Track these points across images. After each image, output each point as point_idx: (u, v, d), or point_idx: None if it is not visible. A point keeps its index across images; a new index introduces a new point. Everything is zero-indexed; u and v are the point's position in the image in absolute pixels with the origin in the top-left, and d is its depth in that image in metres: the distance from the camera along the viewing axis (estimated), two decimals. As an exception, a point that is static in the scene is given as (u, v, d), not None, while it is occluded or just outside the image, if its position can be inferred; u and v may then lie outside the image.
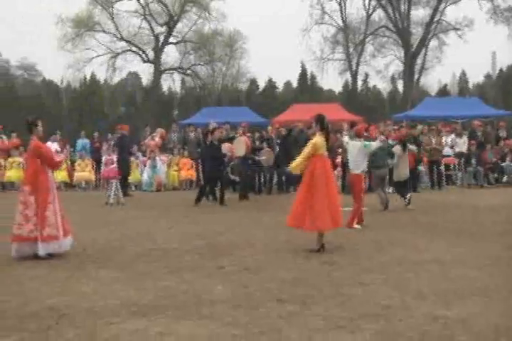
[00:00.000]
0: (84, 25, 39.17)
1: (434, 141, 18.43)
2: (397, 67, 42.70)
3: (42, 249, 7.62)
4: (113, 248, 8.50)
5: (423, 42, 40.04)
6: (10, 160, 19.57)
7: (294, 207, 8.12)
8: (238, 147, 14.94)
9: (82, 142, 21.74)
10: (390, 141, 15.00)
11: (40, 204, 7.66)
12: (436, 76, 67.31)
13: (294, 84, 43.45)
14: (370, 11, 41.55)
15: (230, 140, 14.95)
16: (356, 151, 10.54)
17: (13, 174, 19.07)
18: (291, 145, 16.78)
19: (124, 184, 16.73)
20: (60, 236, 7.76)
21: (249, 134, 17.22)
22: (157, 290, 6.03)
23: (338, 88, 45.67)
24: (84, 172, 19.88)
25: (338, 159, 16.93)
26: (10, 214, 8.21)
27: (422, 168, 18.41)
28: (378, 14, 41.66)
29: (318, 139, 8.06)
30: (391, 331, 4.68)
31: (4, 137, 20.77)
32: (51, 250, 7.70)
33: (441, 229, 10.04)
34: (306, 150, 8.11)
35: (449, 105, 25.70)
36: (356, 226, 10.16)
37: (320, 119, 8.24)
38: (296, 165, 8.22)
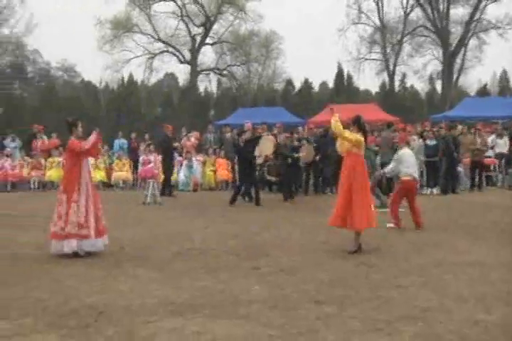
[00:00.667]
0: (122, 27, 39.71)
1: (479, 141, 18.08)
2: (435, 66, 42.19)
3: (64, 247, 7.72)
4: (150, 247, 8.57)
5: (462, 42, 39.43)
6: (50, 160, 19.89)
7: (337, 206, 8.08)
8: (265, 146, 14.92)
9: (120, 142, 21.99)
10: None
11: (67, 203, 7.79)
12: (475, 75, 66.29)
13: (330, 84, 43.29)
14: (408, 10, 41.13)
15: (257, 139, 14.93)
16: (413, 159, 10.47)
17: (53, 173, 19.37)
18: (327, 145, 16.68)
19: (168, 184, 16.91)
20: (91, 236, 7.83)
21: (286, 134, 17.15)
22: (194, 290, 6.05)
23: (374, 88, 45.39)
24: (121, 172, 20.09)
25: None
26: (49, 213, 8.34)
27: (461, 168, 18.10)
28: (416, 13, 41.23)
29: (362, 138, 8.00)
30: (430, 334, 4.61)
31: (45, 137, 21.15)
32: (71, 248, 7.72)
33: (481, 230, 9.87)
34: (351, 135, 7.99)
35: (489, 105, 25.22)
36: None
37: (357, 120, 8.18)
38: (335, 124, 8.03)
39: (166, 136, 17.36)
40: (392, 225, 10.10)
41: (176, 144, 17.76)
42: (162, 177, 17.89)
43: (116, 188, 19.81)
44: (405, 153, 10.37)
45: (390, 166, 10.63)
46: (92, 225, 7.83)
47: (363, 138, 8.02)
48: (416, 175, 10.28)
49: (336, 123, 8.05)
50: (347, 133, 8.04)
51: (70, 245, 7.72)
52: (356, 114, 8.40)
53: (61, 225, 7.73)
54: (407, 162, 10.18)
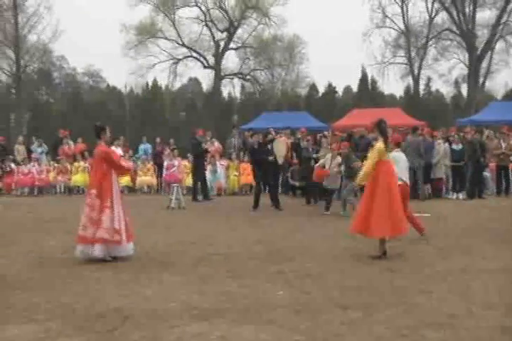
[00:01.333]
0: (147, 32, 40.06)
1: (504, 146, 17.86)
2: (461, 70, 41.73)
3: (95, 252, 7.78)
4: (175, 252, 8.61)
5: (489, 45, 38.98)
6: (76, 164, 20.13)
7: (358, 212, 8.05)
8: (277, 148, 14.96)
9: (144, 147, 22.16)
10: None
11: (99, 208, 7.84)
12: (502, 79, 65.38)
13: (354, 88, 43.12)
14: (433, 14, 40.78)
15: (270, 142, 14.97)
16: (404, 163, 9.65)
17: (78, 178, 19.61)
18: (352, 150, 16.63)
19: (203, 188, 17.05)
20: (123, 241, 7.90)
21: (309, 137, 17.16)
22: (219, 294, 6.06)
23: (399, 92, 45.05)
24: (146, 176, 20.23)
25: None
26: (76, 217, 8.43)
27: (487, 173, 17.90)
28: (441, 17, 40.85)
29: (381, 145, 7.96)
30: (457, 341, 4.56)
31: (71, 142, 21.39)
32: (102, 253, 7.80)
33: (509, 236, 9.73)
34: (371, 157, 7.98)
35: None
36: None
37: (378, 124, 8.12)
38: (364, 175, 8.03)
39: (196, 140, 17.45)
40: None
41: (205, 146, 17.87)
42: (189, 181, 18.05)
43: (141, 193, 19.94)
44: (396, 156, 9.35)
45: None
46: (123, 230, 7.90)
47: (382, 145, 7.95)
48: (407, 179, 9.50)
49: (361, 174, 8.12)
50: (369, 164, 7.95)
51: (102, 250, 7.79)
52: (378, 118, 8.36)
53: (93, 230, 7.80)
54: (398, 166, 9.18)
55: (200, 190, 17.03)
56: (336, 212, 12.81)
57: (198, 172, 17.01)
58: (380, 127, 8.12)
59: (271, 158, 14.40)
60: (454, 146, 17.06)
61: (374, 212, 7.75)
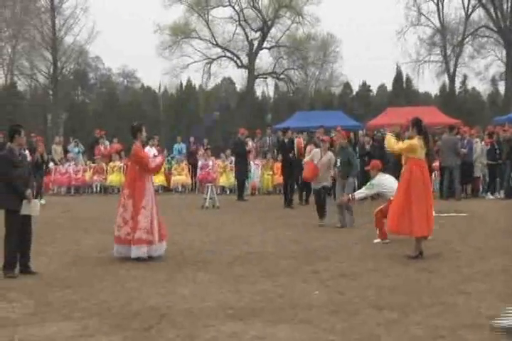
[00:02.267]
0: (181, 33, 40.25)
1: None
2: (498, 68, 40.95)
3: (133, 252, 7.83)
4: (209, 251, 8.63)
5: (527, 41, 38.22)
6: (111, 164, 20.33)
7: (391, 212, 7.97)
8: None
9: (178, 147, 22.29)
10: None
11: (134, 208, 7.90)
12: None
13: (389, 87, 42.66)
14: (470, 11, 40.09)
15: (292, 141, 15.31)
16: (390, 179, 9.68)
17: (114, 178, 19.80)
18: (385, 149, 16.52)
19: (242, 188, 17.14)
20: (155, 241, 7.94)
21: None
22: (253, 294, 6.06)
23: (434, 91, 44.40)
24: (180, 176, 20.36)
25: (436, 163, 16.42)
26: (112, 217, 8.52)
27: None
28: (478, 14, 40.15)
29: (415, 141, 7.86)
30: (496, 343, 4.48)
31: (107, 142, 21.63)
32: (141, 254, 7.84)
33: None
34: (402, 144, 8.02)
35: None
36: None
37: (416, 122, 8.03)
38: (388, 141, 8.25)
39: (239, 140, 17.51)
40: (379, 240, 9.25)
41: (248, 147, 18.00)
42: (223, 180, 18.20)
43: (175, 192, 20.07)
44: (381, 178, 9.70)
45: (366, 192, 9.95)
46: (156, 230, 7.95)
47: (416, 142, 7.85)
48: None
49: (388, 140, 8.23)
50: (397, 146, 8.03)
51: (141, 251, 7.84)
52: (415, 116, 8.27)
53: (127, 230, 7.86)
54: (388, 184, 9.45)
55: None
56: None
57: (241, 171, 17.09)
58: (418, 125, 8.01)
59: (290, 154, 14.77)
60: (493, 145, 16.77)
61: (413, 210, 7.66)
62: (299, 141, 15.98)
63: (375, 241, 9.19)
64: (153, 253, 7.98)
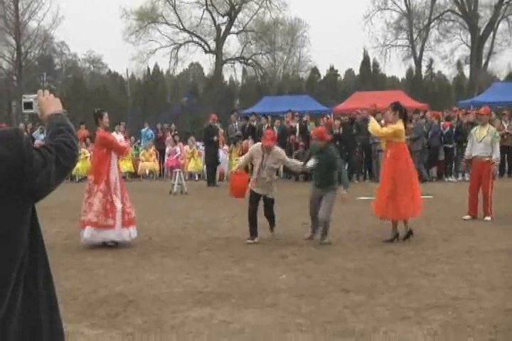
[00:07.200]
0: (147, 18, 39.76)
1: (506, 126, 17.75)
2: (463, 51, 41.35)
3: (85, 234, 7.75)
4: (177, 236, 8.62)
5: (491, 26, 38.63)
6: (78, 151, 20.09)
7: (377, 197, 8.01)
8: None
9: (146, 133, 22.10)
10: None
11: (102, 194, 7.84)
12: (505, 60, 64.84)
13: (356, 71, 42.84)
14: (436, -5, 40.36)
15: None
16: None
17: (80, 165, 19.54)
18: (354, 133, 16.67)
19: (213, 174, 17.07)
20: (116, 225, 7.84)
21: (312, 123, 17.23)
22: (221, 279, 6.07)
23: (401, 75, 44.77)
24: (148, 162, 20.22)
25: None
26: (79, 204, 8.42)
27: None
28: (444, -3, 40.41)
29: (401, 126, 7.87)
30: (460, 323, 4.56)
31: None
32: (89, 236, 7.77)
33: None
34: (386, 129, 8.02)
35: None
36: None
37: (399, 107, 8.03)
38: (372, 125, 8.17)
39: (209, 126, 17.39)
40: None
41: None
42: (191, 166, 18.10)
43: (143, 178, 19.94)
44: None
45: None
46: (118, 215, 7.87)
47: (401, 126, 7.88)
48: None
49: (372, 125, 8.18)
50: (383, 131, 8.06)
51: (91, 233, 7.76)
52: (395, 101, 8.32)
53: (94, 214, 7.77)
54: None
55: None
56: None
57: (212, 157, 17.04)
58: (400, 109, 8.00)
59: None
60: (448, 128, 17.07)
61: (399, 193, 7.72)
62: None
63: None
64: (113, 238, 7.89)
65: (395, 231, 7.93)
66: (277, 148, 8.25)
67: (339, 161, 8.04)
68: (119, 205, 7.89)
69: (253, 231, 8.11)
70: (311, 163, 7.90)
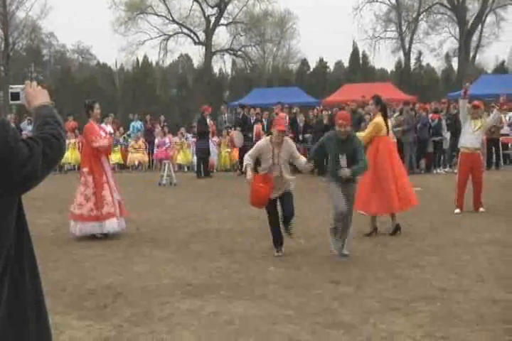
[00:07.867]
0: (136, 9, 39.53)
1: (506, 119, 17.82)
2: (451, 44, 41.51)
3: (106, 227, 7.75)
4: (166, 228, 8.60)
5: (479, 18, 38.76)
6: (66, 141, 19.97)
7: (359, 192, 8.00)
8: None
9: (136, 124, 22.02)
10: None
11: (97, 184, 7.79)
12: (493, 53, 65.10)
13: (346, 63, 42.85)
14: (424, -13, 40.39)
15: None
16: None
17: (69, 155, 19.46)
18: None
19: (206, 166, 17.07)
20: (118, 215, 7.87)
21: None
22: (210, 271, 6.07)
23: (390, 67, 44.82)
24: (137, 153, 20.16)
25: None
26: (67, 195, 8.38)
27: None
28: (433, -10, 40.45)
29: (379, 120, 7.86)
30: (448, 313, 4.59)
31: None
32: (111, 228, 7.79)
33: (500, 209, 9.76)
34: (369, 131, 7.93)
35: (506, 83, 24.84)
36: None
37: (380, 100, 8.02)
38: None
39: (202, 118, 17.31)
40: None
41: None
42: (181, 157, 18.04)
43: (132, 170, 19.89)
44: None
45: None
46: (117, 205, 7.86)
47: (379, 120, 7.86)
48: None
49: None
50: (366, 135, 7.87)
51: (113, 225, 7.77)
52: (375, 94, 8.28)
53: (90, 207, 7.75)
54: None
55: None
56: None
57: (203, 149, 16.98)
58: (381, 102, 8.00)
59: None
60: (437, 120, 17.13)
61: (382, 188, 7.70)
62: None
63: None
64: (117, 227, 7.90)
65: (374, 225, 7.93)
66: (289, 140, 7.07)
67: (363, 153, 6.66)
68: (116, 195, 7.88)
69: (280, 242, 6.89)
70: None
